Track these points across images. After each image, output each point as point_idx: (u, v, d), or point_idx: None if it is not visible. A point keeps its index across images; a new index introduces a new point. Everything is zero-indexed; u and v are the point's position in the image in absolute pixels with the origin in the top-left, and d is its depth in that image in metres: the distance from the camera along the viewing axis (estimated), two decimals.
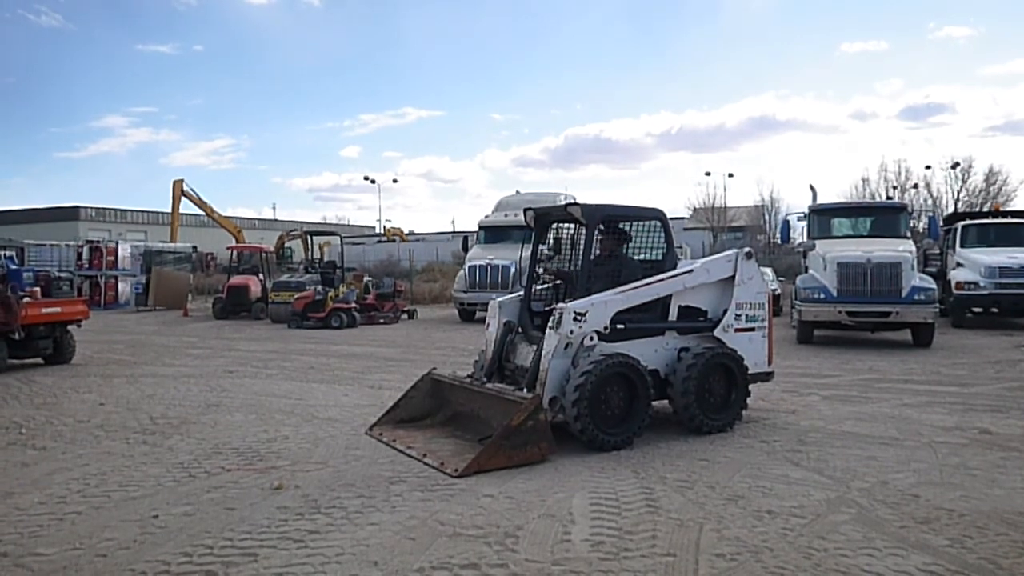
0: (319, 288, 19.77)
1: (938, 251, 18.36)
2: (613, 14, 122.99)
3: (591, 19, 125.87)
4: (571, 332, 6.25)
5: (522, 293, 7.45)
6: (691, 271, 7.09)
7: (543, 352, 6.31)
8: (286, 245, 29.94)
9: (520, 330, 7.20)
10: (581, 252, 7.02)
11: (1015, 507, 4.71)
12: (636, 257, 7.44)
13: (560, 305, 6.48)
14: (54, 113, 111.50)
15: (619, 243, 7.35)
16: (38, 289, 14.26)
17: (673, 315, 6.98)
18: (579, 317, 6.28)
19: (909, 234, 15.23)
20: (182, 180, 38.48)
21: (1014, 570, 3.76)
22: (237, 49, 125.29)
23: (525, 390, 6.24)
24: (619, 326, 6.51)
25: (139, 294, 27.88)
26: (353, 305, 19.18)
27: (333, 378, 10.48)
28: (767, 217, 48.09)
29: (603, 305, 6.45)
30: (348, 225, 72.99)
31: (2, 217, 57.39)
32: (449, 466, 5.61)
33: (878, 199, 40.86)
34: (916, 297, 12.81)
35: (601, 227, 7.19)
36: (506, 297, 7.58)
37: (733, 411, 6.93)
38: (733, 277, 7.17)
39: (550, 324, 6.36)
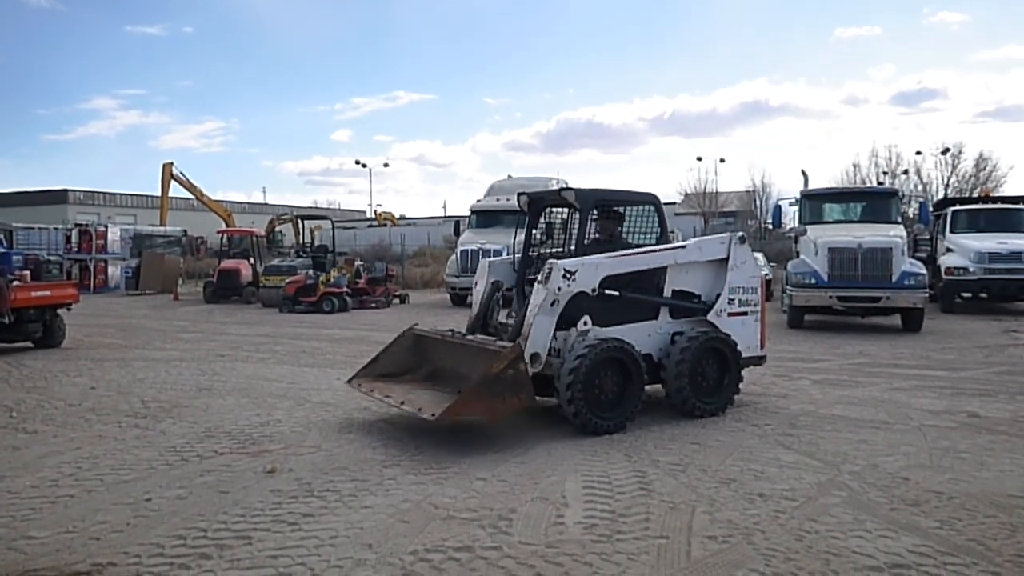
0: (310, 272, 19.72)
1: (928, 236, 18.43)
2: None
3: (584, 3, 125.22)
4: (559, 289, 6.20)
5: (510, 257, 7.51)
6: (684, 247, 7.13)
7: (529, 306, 6.27)
8: (277, 229, 29.73)
9: (510, 289, 7.25)
10: (575, 236, 7.02)
11: (1003, 489, 4.76)
12: (631, 242, 7.44)
13: (551, 260, 6.45)
14: (42, 95, 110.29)
15: (616, 225, 7.35)
16: (27, 272, 14.12)
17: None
18: (568, 275, 6.23)
19: (900, 219, 15.26)
20: (172, 163, 38.09)
21: (1002, 551, 3.80)
22: (227, 31, 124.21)
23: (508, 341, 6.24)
24: (615, 293, 6.50)
25: (129, 278, 27.74)
26: (344, 289, 19.13)
27: (325, 362, 10.47)
28: (758, 202, 48.03)
29: (594, 266, 6.43)
30: (339, 209, 72.60)
31: None
32: (426, 411, 5.59)
33: (869, 184, 40.92)
34: (906, 282, 12.88)
35: (595, 212, 7.18)
36: (496, 258, 7.64)
37: (726, 395, 6.96)
38: (726, 261, 7.18)
39: (539, 279, 6.32)
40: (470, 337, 6.68)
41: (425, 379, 6.88)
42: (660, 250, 6.99)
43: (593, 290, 6.38)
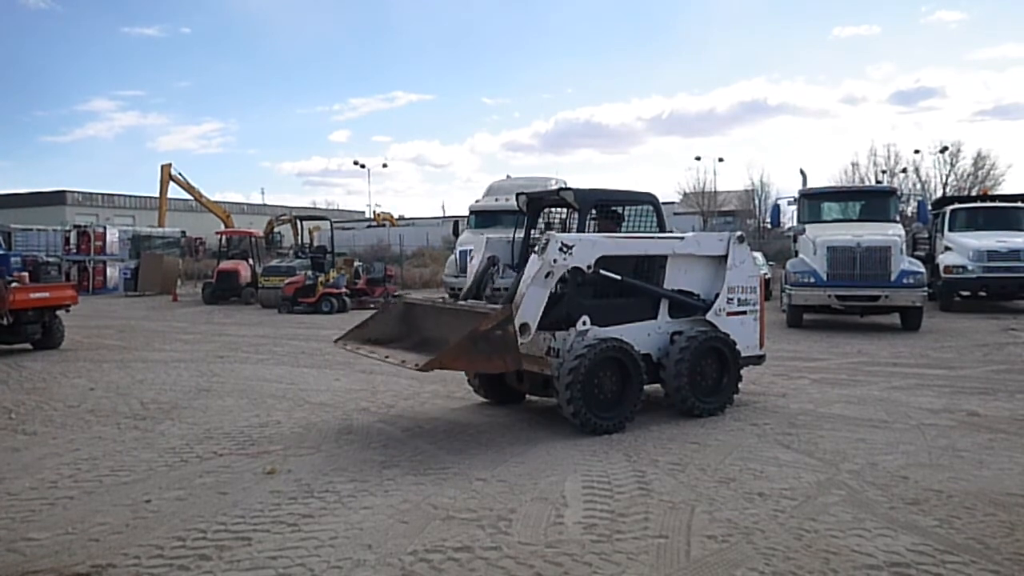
0: (309, 273, 19.71)
1: (927, 235, 18.45)
2: None
3: (582, 2, 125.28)
4: (554, 261, 6.13)
5: (510, 235, 7.54)
6: (682, 238, 7.16)
7: (524, 276, 6.22)
8: (275, 230, 29.75)
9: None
10: None
11: (1002, 488, 4.76)
12: None
13: (549, 232, 6.42)
14: (40, 96, 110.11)
15: (615, 225, 7.36)
16: (26, 274, 14.14)
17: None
18: (565, 248, 6.18)
19: (898, 218, 15.28)
20: (170, 164, 38.20)
21: (1001, 549, 3.80)
22: (225, 32, 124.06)
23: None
24: (615, 276, 6.49)
25: (128, 279, 27.74)
26: (343, 290, 19.13)
27: (324, 363, 10.47)
28: (757, 201, 48.07)
29: (591, 244, 6.42)
30: (337, 210, 72.59)
31: None
32: (411, 363, 5.57)
33: (868, 183, 40.93)
34: (905, 281, 12.89)
35: (594, 212, 7.19)
36: (495, 235, 7.62)
37: (725, 394, 6.96)
38: (725, 259, 7.18)
39: (536, 249, 6.27)
40: (461, 303, 6.66)
41: (413, 347, 6.82)
42: (658, 238, 7.00)
43: (589, 267, 6.33)
